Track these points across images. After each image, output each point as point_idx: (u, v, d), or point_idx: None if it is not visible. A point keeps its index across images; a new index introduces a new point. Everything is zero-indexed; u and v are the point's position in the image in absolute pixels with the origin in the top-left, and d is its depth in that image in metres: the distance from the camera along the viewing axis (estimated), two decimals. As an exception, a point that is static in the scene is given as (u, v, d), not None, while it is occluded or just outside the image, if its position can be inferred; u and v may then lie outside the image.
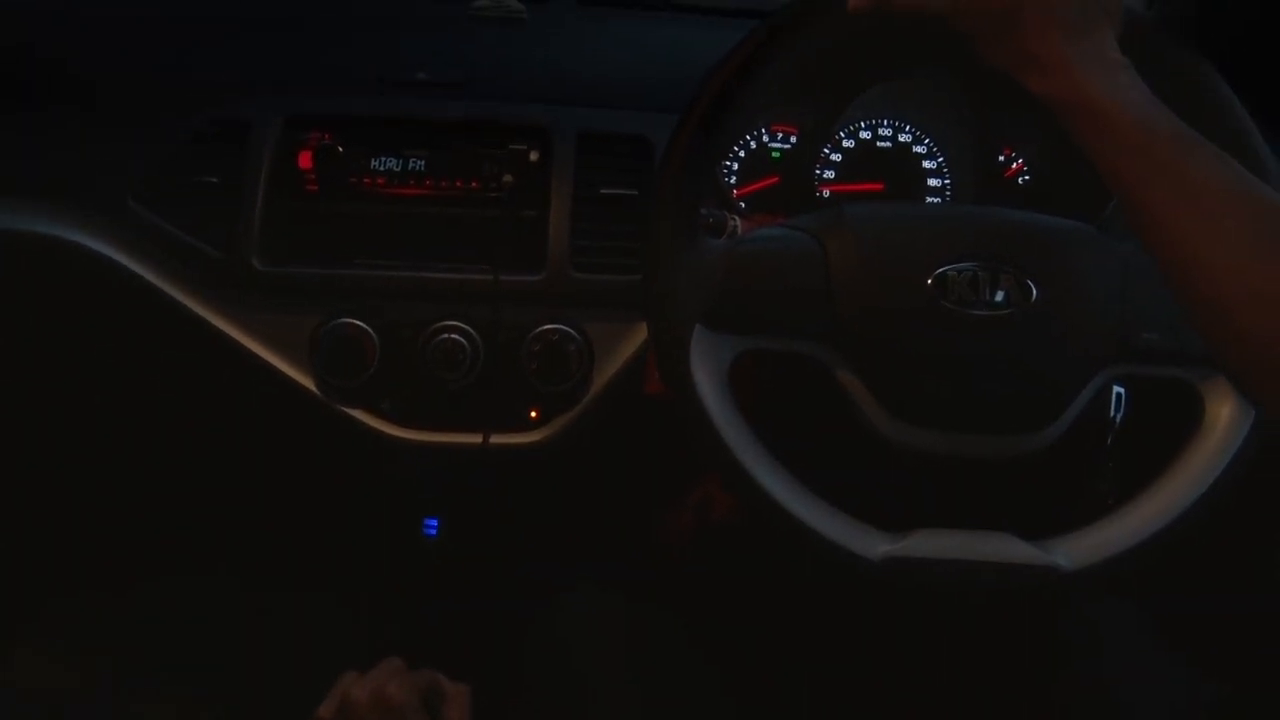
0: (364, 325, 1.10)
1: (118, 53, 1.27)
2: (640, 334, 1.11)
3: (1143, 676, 1.14)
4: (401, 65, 1.19)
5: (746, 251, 0.88)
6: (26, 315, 1.30)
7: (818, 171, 1.25)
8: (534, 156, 1.12)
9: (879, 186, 1.26)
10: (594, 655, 1.13)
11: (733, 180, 1.26)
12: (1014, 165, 1.27)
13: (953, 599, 0.92)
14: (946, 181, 1.26)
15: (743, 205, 1.25)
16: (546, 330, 1.10)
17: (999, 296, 0.85)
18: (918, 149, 1.26)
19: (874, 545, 0.86)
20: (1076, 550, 0.87)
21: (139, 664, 1.33)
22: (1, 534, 1.42)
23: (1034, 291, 0.85)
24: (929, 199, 1.26)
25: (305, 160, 1.11)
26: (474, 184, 1.12)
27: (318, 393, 1.13)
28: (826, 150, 1.25)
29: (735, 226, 1.02)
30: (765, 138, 1.26)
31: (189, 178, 1.11)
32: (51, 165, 1.15)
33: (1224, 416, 0.88)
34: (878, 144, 1.26)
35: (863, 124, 1.25)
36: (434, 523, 1.35)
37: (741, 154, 1.26)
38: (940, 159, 1.26)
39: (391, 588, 1.38)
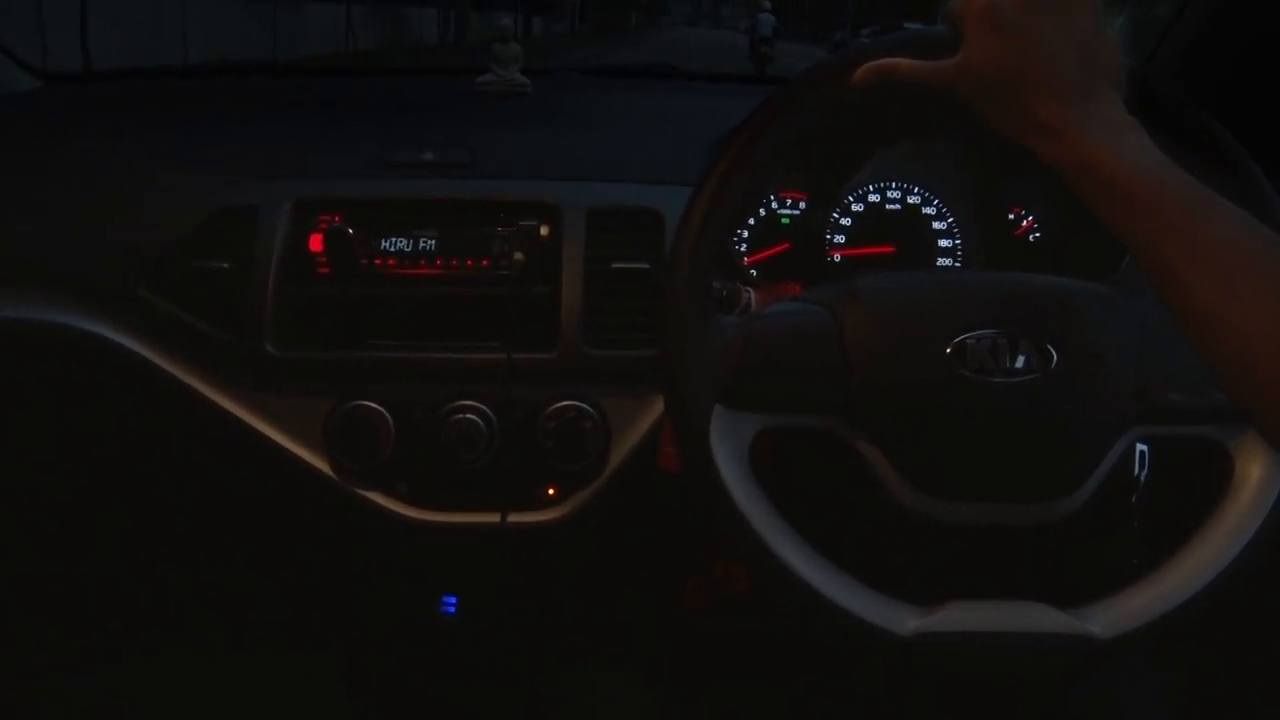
0: (378, 407, 1.09)
1: (127, 139, 1.28)
2: (656, 408, 1.10)
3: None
4: (409, 146, 1.19)
5: (761, 328, 0.87)
6: (39, 401, 1.30)
7: (828, 236, 1.25)
8: (544, 233, 1.12)
9: (890, 249, 1.25)
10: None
11: (743, 248, 1.25)
12: (1024, 223, 1.27)
13: (986, 672, 0.90)
14: (957, 242, 1.25)
15: (754, 273, 1.24)
16: (561, 407, 1.09)
17: (1019, 363, 0.84)
18: (927, 210, 1.26)
19: (904, 620, 0.84)
20: (1110, 618, 0.85)
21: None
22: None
23: (1054, 357, 0.84)
24: (940, 260, 1.26)
25: (315, 243, 1.11)
26: (484, 262, 1.12)
27: (333, 476, 1.13)
28: (836, 215, 1.25)
29: (749, 299, 1.01)
30: (774, 204, 1.26)
31: (200, 263, 1.12)
32: (63, 252, 1.15)
33: (1255, 475, 0.86)
34: (887, 206, 1.26)
35: (871, 187, 1.26)
36: (453, 600, 1.34)
37: (751, 221, 1.26)
38: (950, 219, 1.25)
39: (410, 666, 1.36)
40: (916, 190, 1.26)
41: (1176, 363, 0.85)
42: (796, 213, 1.26)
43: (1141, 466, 1.00)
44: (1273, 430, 0.63)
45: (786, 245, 1.26)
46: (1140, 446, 0.97)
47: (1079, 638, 0.84)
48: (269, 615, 1.44)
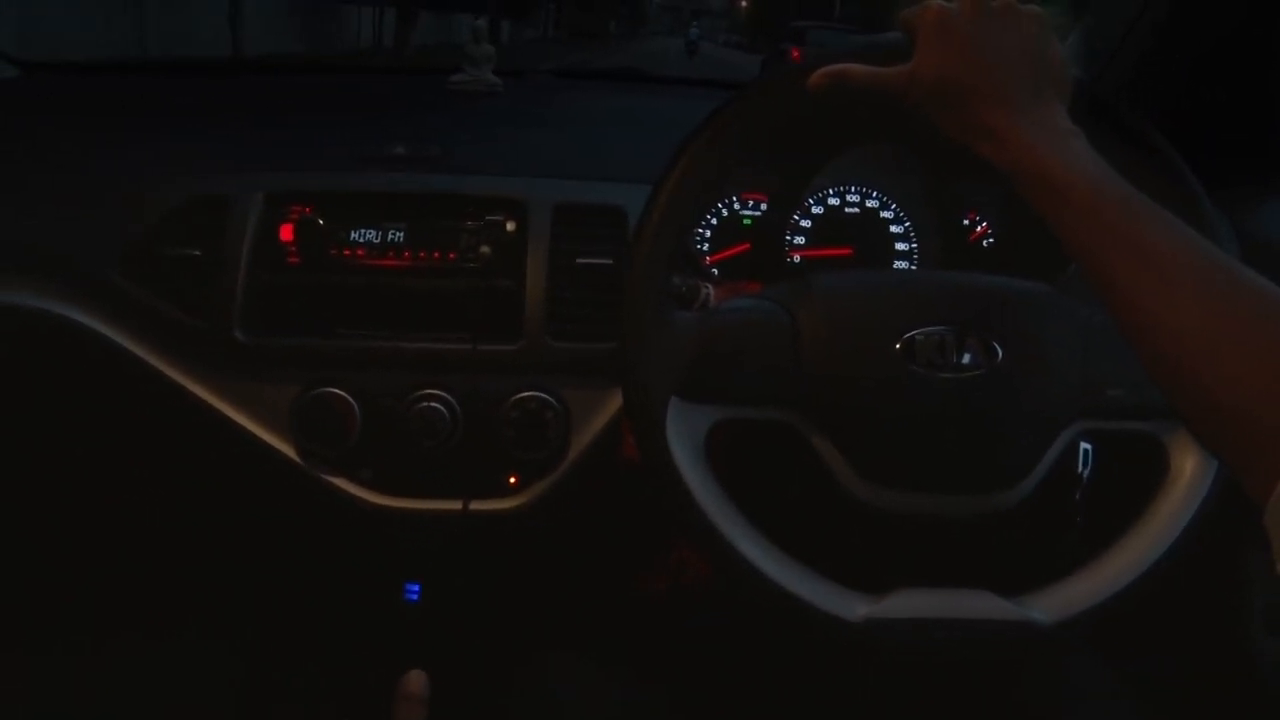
0: (344, 394, 1.11)
1: (103, 130, 1.29)
2: (617, 399, 1.11)
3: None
4: (381, 140, 1.21)
5: (717, 323, 0.90)
6: (8, 385, 1.31)
7: (788, 238, 1.28)
8: (511, 227, 1.14)
9: (848, 252, 1.28)
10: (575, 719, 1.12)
11: (705, 247, 1.28)
12: (978, 229, 1.30)
13: (933, 657, 0.93)
14: (914, 245, 1.29)
15: (715, 272, 1.27)
16: (524, 398, 1.12)
17: (966, 359, 0.87)
18: (885, 214, 1.29)
19: (853, 607, 0.87)
20: (1052, 605, 0.89)
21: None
22: None
23: (999, 353, 0.87)
24: (897, 263, 1.29)
25: (286, 233, 1.12)
26: (451, 255, 1.13)
27: (298, 461, 1.14)
28: (796, 217, 1.28)
29: (708, 295, 1.04)
30: (736, 205, 1.29)
31: (172, 250, 1.13)
32: (35, 238, 1.16)
33: (1188, 468, 0.90)
34: (846, 210, 1.29)
35: (831, 191, 1.28)
36: (415, 588, 1.35)
37: (713, 221, 1.28)
38: (907, 224, 1.29)
39: (372, 652, 1.37)
40: (875, 194, 1.29)
41: (1117, 362, 0.89)
42: (758, 214, 1.29)
43: (1085, 465, 1.03)
44: (1199, 424, 0.66)
45: (747, 245, 1.29)
46: (1084, 446, 1.01)
47: (1022, 624, 0.88)
48: (231, 601, 1.45)
